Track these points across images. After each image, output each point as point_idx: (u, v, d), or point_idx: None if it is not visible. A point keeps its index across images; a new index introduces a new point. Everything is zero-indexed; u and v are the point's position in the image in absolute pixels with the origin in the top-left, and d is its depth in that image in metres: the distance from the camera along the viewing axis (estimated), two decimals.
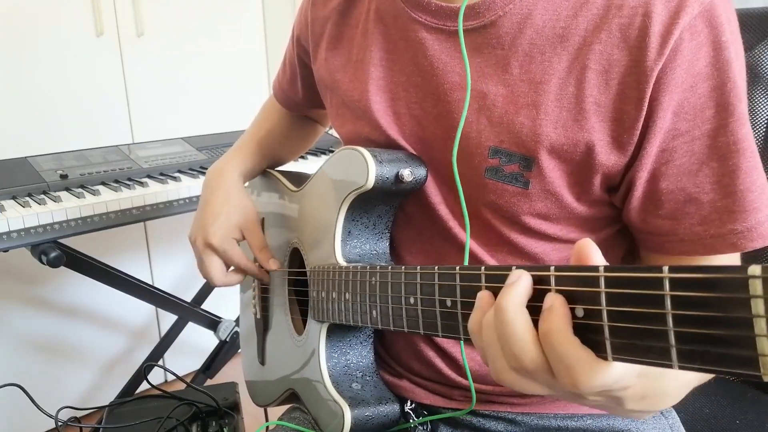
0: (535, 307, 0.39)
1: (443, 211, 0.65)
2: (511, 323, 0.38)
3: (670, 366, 0.32)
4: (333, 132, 0.79)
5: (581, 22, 0.55)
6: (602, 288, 0.35)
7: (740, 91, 0.53)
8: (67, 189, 1.36)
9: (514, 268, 0.41)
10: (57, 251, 1.23)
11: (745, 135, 0.54)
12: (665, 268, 0.31)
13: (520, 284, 0.39)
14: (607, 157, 0.56)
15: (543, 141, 0.57)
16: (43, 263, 1.23)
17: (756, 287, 0.27)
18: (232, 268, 0.86)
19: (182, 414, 0.91)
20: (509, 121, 0.58)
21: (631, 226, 0.61)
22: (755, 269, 0.27)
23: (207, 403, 0.93)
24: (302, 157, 1.52)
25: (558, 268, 0.38)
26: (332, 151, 0.73)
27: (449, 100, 0.62)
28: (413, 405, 0.72)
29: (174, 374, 0.98)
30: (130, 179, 1.44)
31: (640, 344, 0.33)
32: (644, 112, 0.53)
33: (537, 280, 0.39)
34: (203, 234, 0.82)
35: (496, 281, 0.42)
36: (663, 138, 0.54)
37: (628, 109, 0.54)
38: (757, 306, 0.28)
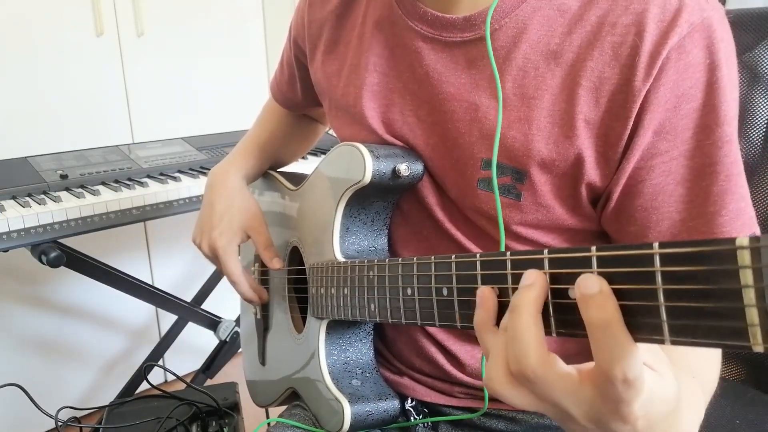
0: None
1: (439, 214, 0.66)
2: (524, 330, 0.36)
3: (662, 342, 0.32)
4: (333, 132, 0.79)
5: (575, 39, 0.55)
6: (594, 269, 0.35)
7: (722, 113, 0.52)
8: (67, 189, 1.36)
9: (508, 254, 0.40)
10: (57, 251, 1.23)
11: (720, 159, 0.53)
12: (655, 245, 0.31)
13: (535, 288, 0.36)
14: (595, 172, 0.56)
15: (534, 156, 0.57)
16: (43, 263, 1.23)
17: (744, 258, 0.28)
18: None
19: (182, 414, 0.91)
20: (501, 135, 0.58)
21: (609, 236, 0.62)
22: (743, 240, 0.28)
23: (207, 403, 0.93)
24: (302, 157, 1.52)
25: (551, 251, 0.37)
26: None
27: (444, 110, 0.62)
28: (413, 403, 0.72)
29: (174, 374, 0.98)
30: (130, 179, 1.44)
31: (632, 321, 0.33)
32: (629, 130, 0.53)
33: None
34: (208, 237, 0.82)
35: (491, 268, 0.42)
36: (641, 156, 0.54)
37: (616, 126, 0.54)
38: (746, 276, 0.28)
